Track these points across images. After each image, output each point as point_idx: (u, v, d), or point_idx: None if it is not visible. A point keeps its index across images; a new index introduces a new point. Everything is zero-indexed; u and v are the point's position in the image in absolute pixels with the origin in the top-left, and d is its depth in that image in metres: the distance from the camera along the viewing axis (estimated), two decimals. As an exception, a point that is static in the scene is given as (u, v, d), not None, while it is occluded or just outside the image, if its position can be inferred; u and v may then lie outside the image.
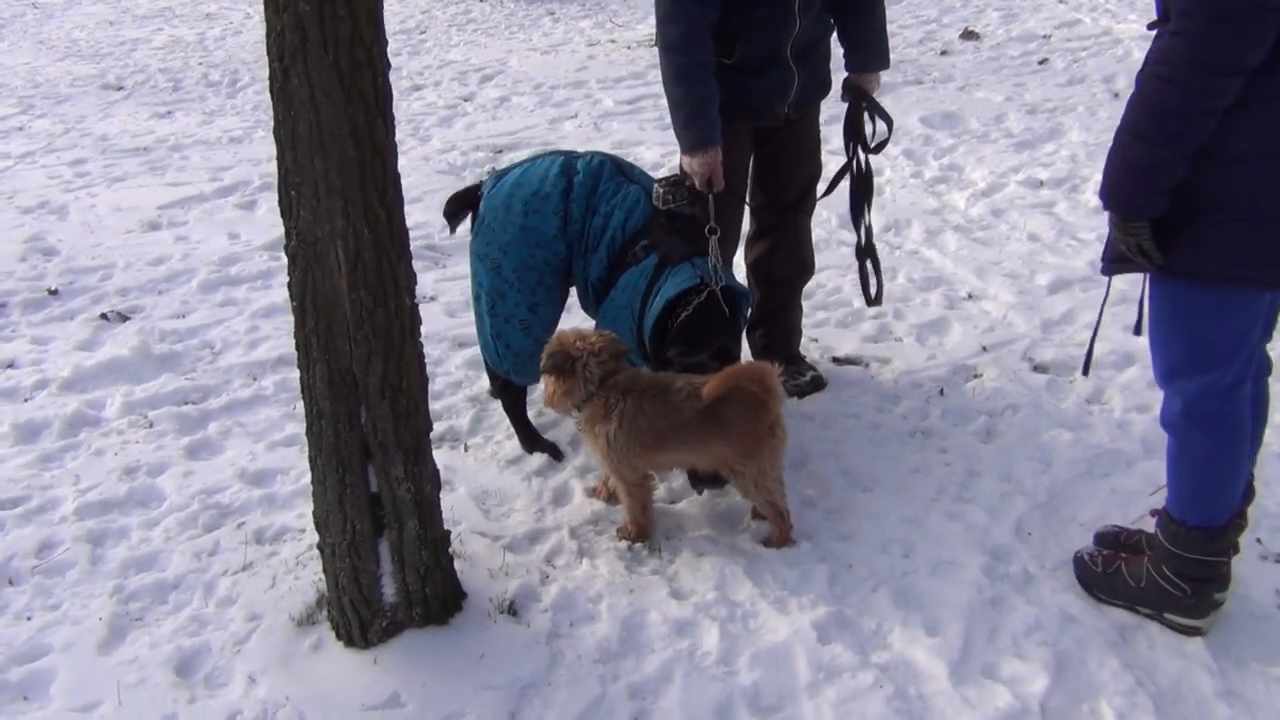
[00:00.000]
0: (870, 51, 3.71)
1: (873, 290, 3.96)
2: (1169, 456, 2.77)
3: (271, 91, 2.37)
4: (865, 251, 3.94)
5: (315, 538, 2.82)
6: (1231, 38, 2.16)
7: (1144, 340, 4.24)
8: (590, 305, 3.61)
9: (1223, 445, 2.67)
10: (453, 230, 3.68)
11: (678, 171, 3.53)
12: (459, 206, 3.61)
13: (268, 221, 5.85)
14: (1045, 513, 3.30)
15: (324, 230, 2.41)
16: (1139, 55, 8.46)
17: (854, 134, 3.79)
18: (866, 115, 3.76)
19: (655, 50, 3.56)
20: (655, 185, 3.41)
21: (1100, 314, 2.77)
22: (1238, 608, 2.87)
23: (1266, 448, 3.53)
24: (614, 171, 3.49)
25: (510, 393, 3.70)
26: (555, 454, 3.65)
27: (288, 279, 2.54)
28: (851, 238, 4.02)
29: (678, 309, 3.27)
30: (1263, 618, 2.86)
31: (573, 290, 3.68)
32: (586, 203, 3.44)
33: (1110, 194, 2.42)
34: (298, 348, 2.58)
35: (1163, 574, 2.79)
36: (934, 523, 3.25)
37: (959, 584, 2.98)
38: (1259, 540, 3.13)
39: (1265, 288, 2.48)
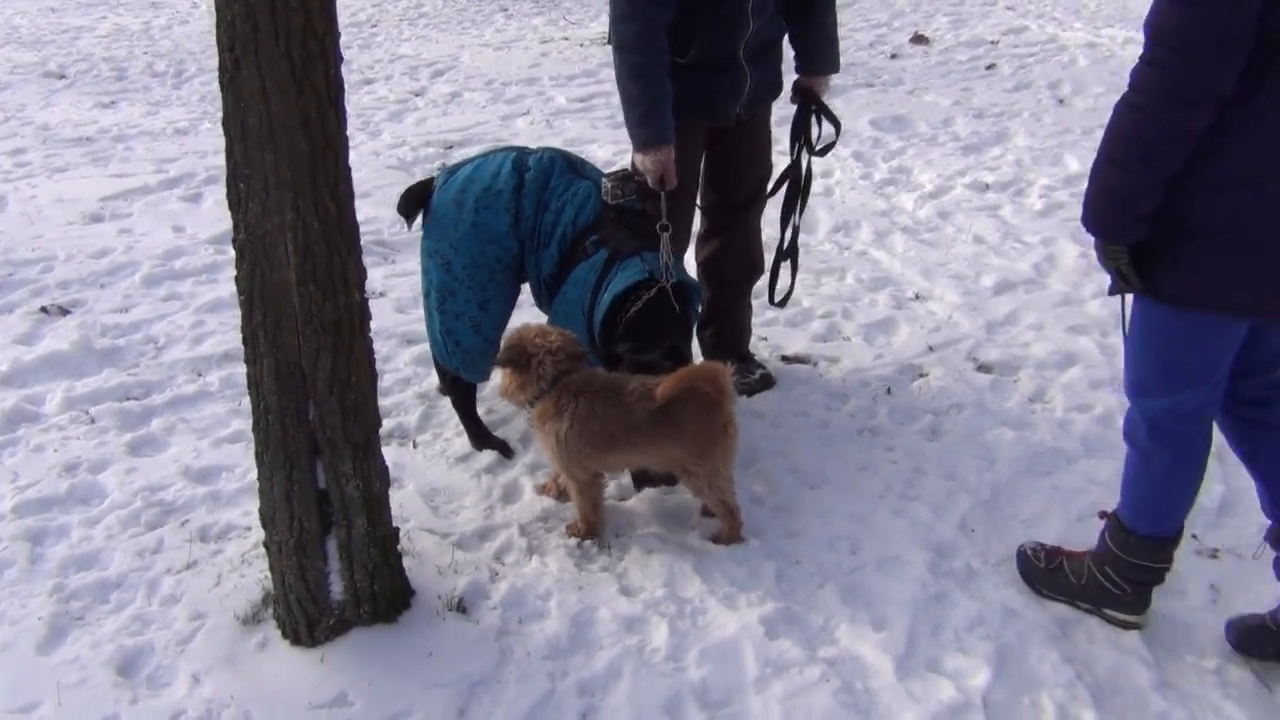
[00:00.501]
0: (821, 55, 3.75)
1: (778, 296, 4.06)
2: (1127, 466, 2.80)
3: (221, 82, 2.34)
4: (788, 252, 4.00)
5: (261, 535, 2.79)
6: (1198, 67, 2.15)
7: (1086, 341, 4.37)
8: (543, 301, 3.61)
9: (1182, 464, 2.70)
10: (410, 225, 3.65)
11: (629, 168, 3.54)
12: (414, 202, 3.59)
13: (213, 215, 5.76)
14: (988, 510, 3.35)
15: (273, 223, 2.39)
16: (1084, 62, 8.64)
17: (800, 136, 3.83)
18: (815, 118, 3.80)
19: (609, 48, 3.56)
20: (604, 180, 3.42)
21: (1123, 324, 2.69)
22: (1174, 602, 2.95)
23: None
24: (565, 167, 3.49)
25: (459, 390, 3.69)
26: (505, 451, 3.65)
27: (235, 272, 2.51)
28: (806, 238, 4.06)
29: (626, 303, 3.28)
30: (1198, 611, 2.94)
31: (526, 286, 3.68)
32: (538, 199, 3.43)
33: (1090, 218, 2.42)
34: (245, 342, 2.56)
35: (1105, 574, 2.84)
36: (880, 520, 3.29)
37: (904, 580, 3.02)
38: (1194, 536, 3.21)
39: (1242, 314, 2.47)
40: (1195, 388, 2.58)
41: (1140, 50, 2.25)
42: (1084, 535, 3.18)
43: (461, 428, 3.73)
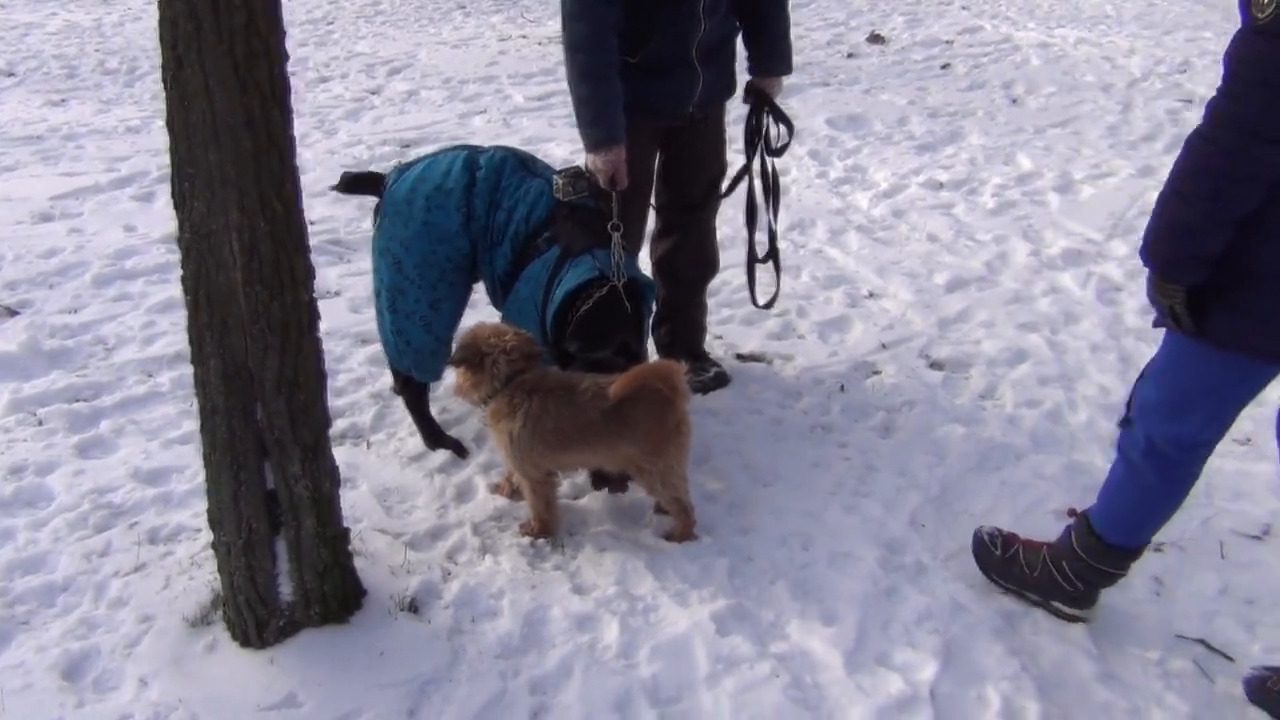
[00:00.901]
0: (773, 56, 3.77)
1: (761, 299, 4.09)
2: (1112, 476, 2.77)
3: (164, 80, 2.32)
4: (769, 255, 4.02)
5: (210, 537, 2.77)
6: (1277, 104, 2.04)
7: (1036, 339, 4.42)
8: (497, 299, 3.60)
9: (1169, 487, 2.67)
10: (337, 190, 3.68)
11: (581, 165, 3.54)
12: (353, 186, 3.61)
13: (166, 214, 5.69)
14: (938, 505, 3.39)
15: (219, 223, 2.37)
16: (1037, 62, 8.74)
17: (753, 137, 3.85)
18: (770, 119, 3.83)
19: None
20: (556, 177, 3.42)
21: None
22: (1117, 595, 2.99)
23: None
24: (517, 165, 3.49)
25: (412, 389, 3.68)
26: (459, 451, 3.64)
27: (181, 272, 2.49)
28: (761, 236, 4.09)
29: (578, 301, 3.29)
30: (1141, 603, 2.99)
31: (479, 285, 3.67)
32: (490, 197, 3.43)
33: (1150, 250, 2.32)
34: (191, 342, 2.54)
35: (1060, 569, 2.86)
36: (832, 516, 3.32)
37: (855, 575, 3.05)
38: (1139, 530, 3.26)
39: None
40: (1210, 423, 2.52)
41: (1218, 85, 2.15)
42: (1032, 529, 3.23)
43: (415, 427, 3.72)
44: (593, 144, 3.43)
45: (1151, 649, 2.83)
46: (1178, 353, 2.50)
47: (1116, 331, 4.49)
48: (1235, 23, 2.14)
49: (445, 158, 3.51)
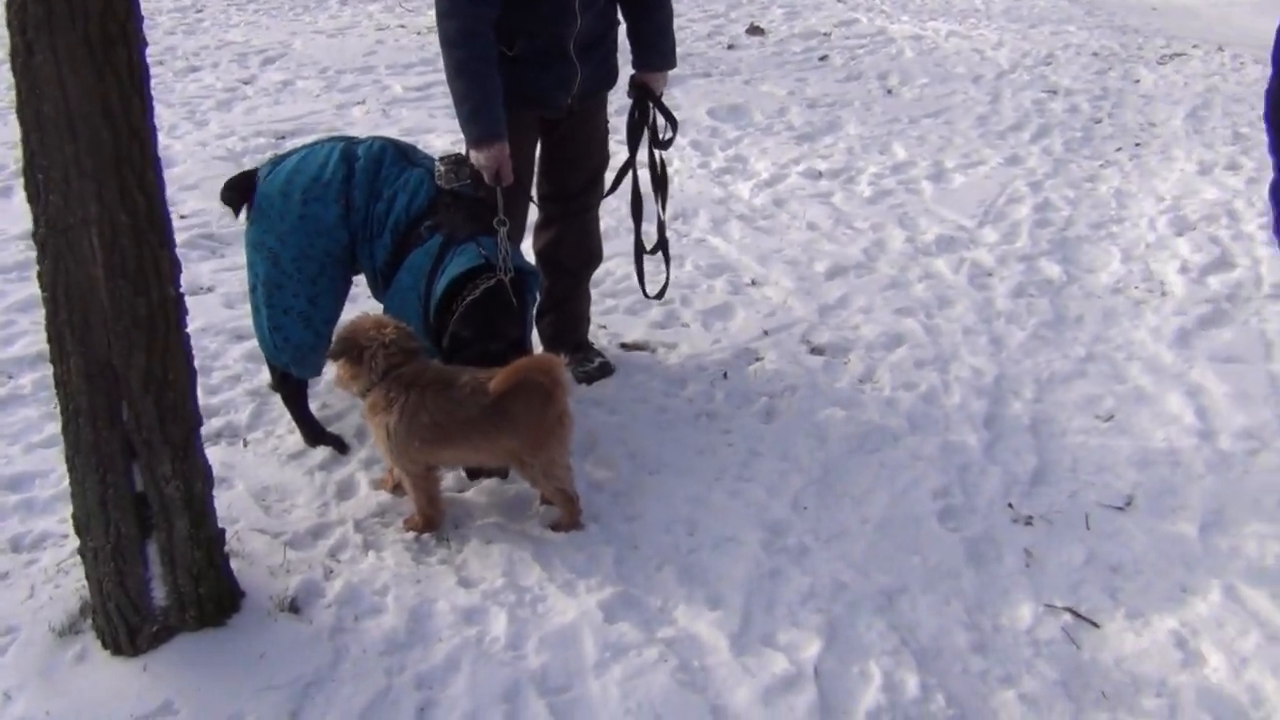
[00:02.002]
0: (654, 51, 3.78)
1: (650, 290, 4.13)
2: None
3: (14, 68, 2.22)
4: (658, 246, 4.05)
5: (77, 542, 2.66)
6: None
7: (912, 323, 4.54)
8: (379, 291, 3.54)
9: None
10: (236, 214, 3.55)
11: (461, 152, 3.51)
12: (236, 191, 3.49)
13: (26, 209, 5.42)
14: (820, 488, 3.46)
15: (76, 216, 2.28)
16: (911, 54, 8.97)
17: (637, 131, 3.87)
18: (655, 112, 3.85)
19: None
20: (437, 164, 3.38)
21: None
22: (991, 568, 3.11)
23: (1016, 420, 3.84)
24: (397, 155, 3.44)
25: (290, 385, 3.59)
26: (340, 447, 3.57)
27: (37, 268, 2.39)
28: (646, 226, 4.11)
29: (463, 289, 3.25)
30: (1014, 575, 3.10)
31: (359, 279, 3.61)
32: (370, 188, 3.37)
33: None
34: (50, 340, 2.45)
35: None
36: (717, 501, 3.36)
37: (740, 559, 3.10)
38: (1010, 505, 3.39)
39: None
40: None
41: None
42: (909, 509, 3.33)
43: (294, 424, 3.64)
44: (474, 140, 3.40)
45: (1023, 619, 2.94)
46: None
47: (988, 315, 4.63)
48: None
49: (321, 149, 3.44)
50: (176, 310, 2.48)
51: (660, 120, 3.88)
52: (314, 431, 3.61)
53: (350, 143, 3.47)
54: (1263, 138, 2.35)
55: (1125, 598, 3.03)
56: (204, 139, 6.65)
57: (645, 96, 3.83)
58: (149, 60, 2.33)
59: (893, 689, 2.68)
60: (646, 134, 3.88)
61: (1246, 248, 5.34)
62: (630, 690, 2.63)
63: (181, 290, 2.50)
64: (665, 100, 3.89)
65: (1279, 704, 2.67)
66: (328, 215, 3.34)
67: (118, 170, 2.27)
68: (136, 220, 2.33)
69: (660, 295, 4.19)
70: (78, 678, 2.61)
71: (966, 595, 3.01)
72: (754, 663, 2.73)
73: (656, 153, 3.91)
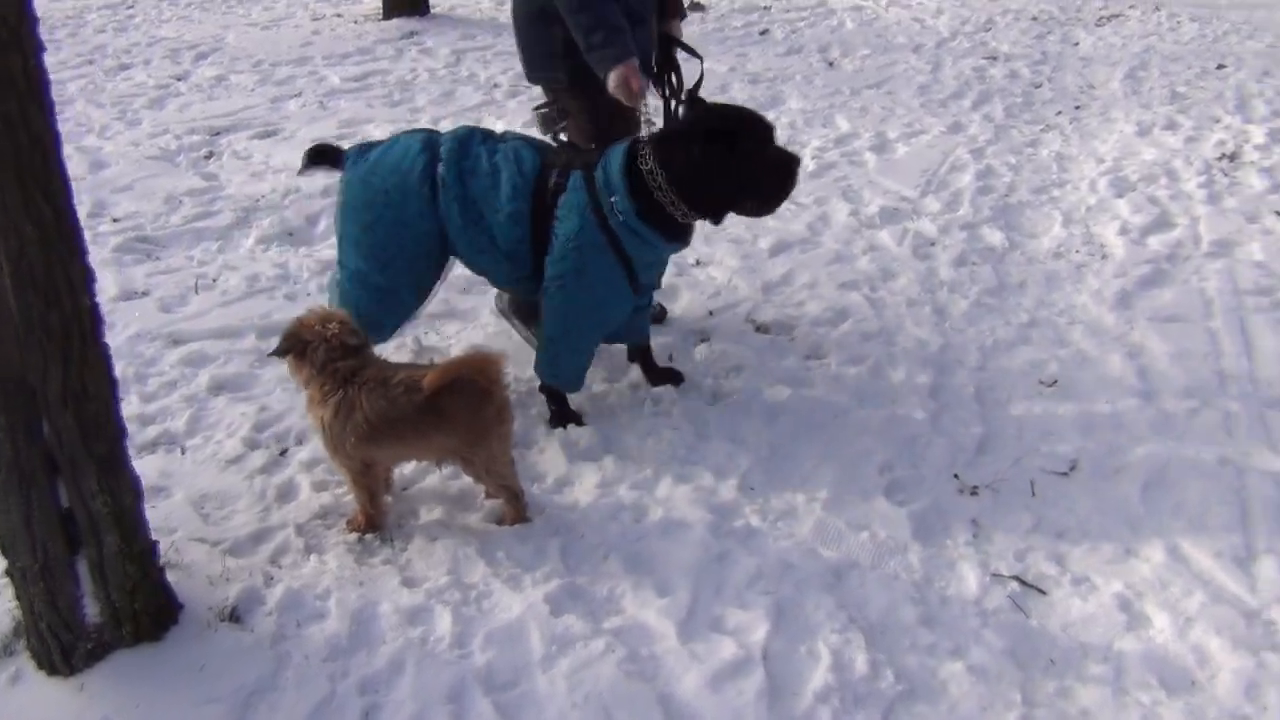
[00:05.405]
0: (676, 3, 4.17)
1: None
2: None
3: (-97, 79, 2.14)
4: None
5: (4, 563, 2.60)
6: None
7: (857, 296, 4.53)
8: (519, 270, 3.55)
9: None
10: (303, 170, 3.70)
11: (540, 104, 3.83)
12: (316, 160, 3.62)
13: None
14: (767, 467, 3.44)
15: (-22, 229, 2.20)
16: (851, 26, 8.95)
17: (671, 69, 4.07)
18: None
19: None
20: (538, 120, 3.66)
21: None
22: (938, 539, 3.11)
23: (961, 389, 3.84)
24: (483, 136, 3.54)
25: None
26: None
27: (-57, 284, 2.31)
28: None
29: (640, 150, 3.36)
30: (961, 546, 3.10)
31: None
32: (459, 166, 3.42)
33: None
34: (-41, 358, 2.36)
35: None
36: (663, 486, 3.34)
37: (687, 543, 3.08)
38: (956, 476, 3.39)
39: None
40: None
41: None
42: (857, 484, 3.33)
43: (233, 429, 3.58)
44: (613, 59, 3.57)
45: (970, 589, 2.95)
46: None
47: (931, 285, 4.64)
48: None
49: (403, 139, 3.54)
50: (92, 320, 2.41)
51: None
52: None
53: (430, 133, 3.57)
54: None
55: (1071, 563, 3.05)
56: (136, 139, 6.51)
57: (670, 43, 4.06)
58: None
59: (841, 668, 2.67)
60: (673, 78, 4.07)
61: (1185, 206, 5.39)
62: (577, 683, 2.61)
63: (97, 300, 2.43)
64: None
65: (1223, 663, 2.69)
66: (410, 205, 3.41)
67: (20, 182, 2.19)
68: (44, 231, 2.25)
69: None
70: (12, 700, 2.55)
71: (914, 569, 3.02)
72: (702, 648, 2.72)
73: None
